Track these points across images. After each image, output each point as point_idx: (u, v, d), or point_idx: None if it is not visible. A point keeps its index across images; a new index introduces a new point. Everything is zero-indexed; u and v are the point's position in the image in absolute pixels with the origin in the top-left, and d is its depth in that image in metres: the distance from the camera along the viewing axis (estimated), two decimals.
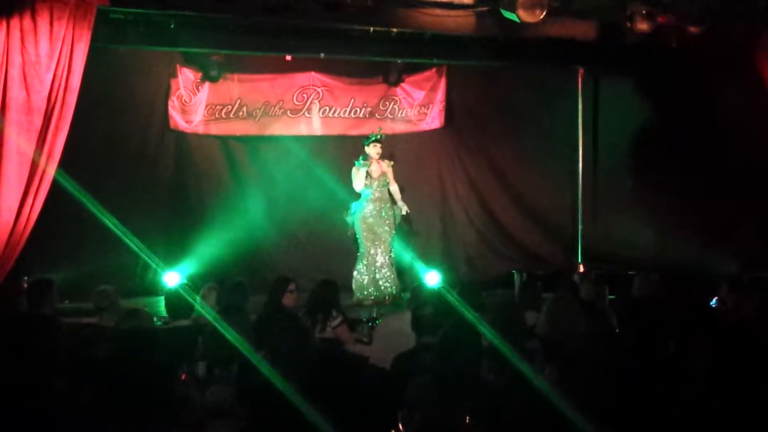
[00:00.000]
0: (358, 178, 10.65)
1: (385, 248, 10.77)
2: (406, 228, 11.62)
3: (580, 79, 12.28)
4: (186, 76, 11.49)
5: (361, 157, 10.70)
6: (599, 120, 12.54)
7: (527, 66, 11.87)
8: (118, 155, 11.12)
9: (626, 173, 12.22)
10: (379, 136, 10.82)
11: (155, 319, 7.54)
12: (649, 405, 3.61)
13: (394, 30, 10.52)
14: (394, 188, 10.88)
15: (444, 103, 12.55)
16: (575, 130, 12.36)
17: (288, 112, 12.00)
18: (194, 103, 11.57)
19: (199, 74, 11.50)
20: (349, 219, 10.87)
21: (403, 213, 10.96)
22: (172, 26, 9.75)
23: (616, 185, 12.34)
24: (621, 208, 12.09)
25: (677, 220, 11.01)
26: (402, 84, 12.37)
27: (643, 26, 10.06)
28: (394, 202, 10.97)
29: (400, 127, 12.45)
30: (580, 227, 12.42)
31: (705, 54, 10.69)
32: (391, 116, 12.41)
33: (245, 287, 7.35)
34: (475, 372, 4.76)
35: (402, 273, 11.10)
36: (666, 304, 5.90)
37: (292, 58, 11.47)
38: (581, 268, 11.84)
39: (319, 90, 12.04)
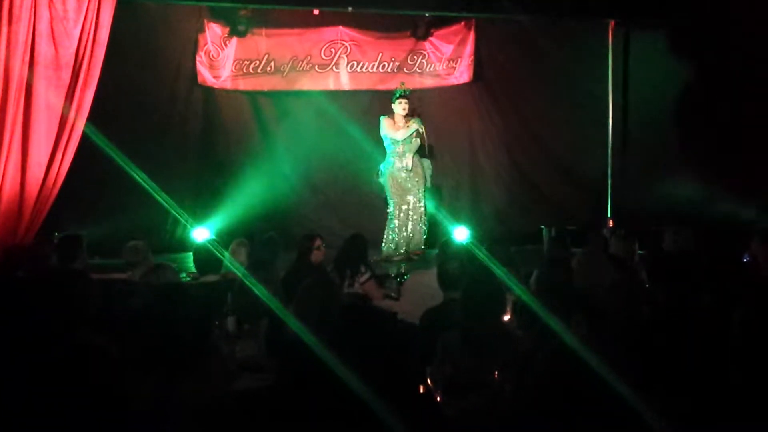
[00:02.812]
0: (396, 129, 10.63)
1: (414, 203, 10.74)
2: (435, 183, 11.58)
3: (610, 33, 12.12)
4: (213, 31, 11.46)
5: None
6: (630, 74, 12.38)
7: (557, 19, 11.73)
8: (147, 111, 11.13)
9: (657, 128, 12.06)
10: (404, 92, 10.78)
11: (184, 275, 7.61)
12: (678, 360, 3.59)
13: None
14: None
15: (473, 57, 12.43)
16: (605, 85, 12.22)
17: (316, 66, 11.95)
18: (222, 58, 11.54)
19: (227, 29, 11.46)
20: (381, 180, 10.83)
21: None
22: None
23: (647, 140, 12.18)
24: (651, 163, 11.96)
25: (708, 175, 10.89)
26: (430, 38, 12.26)
27: None
28: (422, 155, 10.95)
29: (428, 82, 12.36)
30: (609, 182, 12.32)
31: (739, 4, 10.51)
32: (419, 71, 12.32)
33: (277, 242, 7.39)
34: (500, 325, 4.77)
35: (431, 228, 11.09)
36: (696, 258, 5.85)
37: (319, 12, 11.42)
38: (611, 223, 11.78)
39: (347, 44, 11.97)
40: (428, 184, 10.96)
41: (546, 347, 4.03)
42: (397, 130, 10.63)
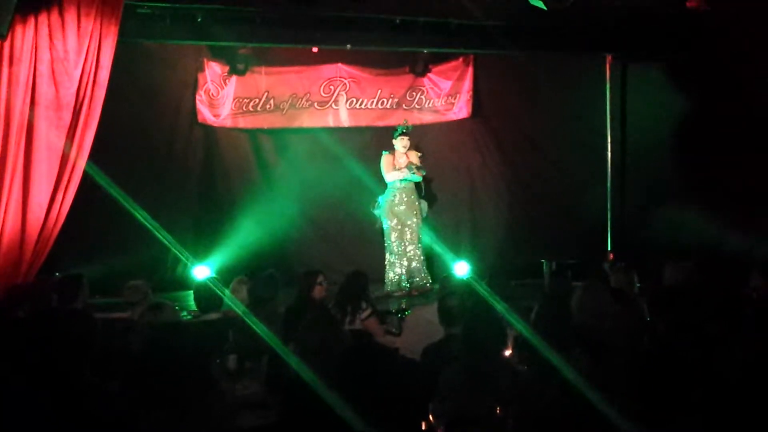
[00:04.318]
0: (392, 167, 10.75)
1: (413, 238, 10.80)
2: (434, 218, 11.60)
3: (608, 66, 12.21)
4: (213, 69, 11.52)
5: (410, 167, 10.79)
6: (628, 107, 12.44)
7: (555, 54, 11.79)
8: (147, 150, 11.19)
9: (655, 161, 12.07)
10: (405, 129, 10.87)
11: (185, 313, 7.60)
12: (680, 393, 3.59)
13: (421, 19, 10.49)
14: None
15: (471, 92, 12.51)
16: (604, 118, 12.29)
17: (315, 104, 12.01)
18: (222, 96, 11.59)
19: (226, 68, 11.52)
20: (377, 212, 10.90)
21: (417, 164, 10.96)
22: (199, 20, 9.75)
23: (646, 173, 12.21)
24: (651, 196, 11.97)
25: (708, 207, 10.87)
26: (429, 74, 12.34)
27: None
28: (420, 193, 11.03)
29: (427, 118, 12.42)
30: (609, 215, 12.35)
31: (737, 36, 10.55)
32: (418, 107, 12.39)
33: (277, 279, 7.37)
34: (501, 360, 4.76)
35: (431, 264, 11.10)
36: (697, 291, 5.84)
37: (318, 49, 11.49)
38: (611, 257, 11.77)
39: (345, 81, 12.04)
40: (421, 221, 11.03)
41: (547, 382, 4.03)
42: (392, 170, 10.74)
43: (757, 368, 3.81)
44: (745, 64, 10.77)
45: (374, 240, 11.38)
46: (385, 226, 10.87)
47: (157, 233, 9.42)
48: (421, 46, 11.49)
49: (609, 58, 12.17)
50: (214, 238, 11.23)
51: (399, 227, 10.79)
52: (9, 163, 8.35)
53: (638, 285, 7.33)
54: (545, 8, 9.39)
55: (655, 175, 11.99)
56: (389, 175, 10.79)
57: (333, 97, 12.04)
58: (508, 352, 5.10)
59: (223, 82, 11.58)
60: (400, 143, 10.83)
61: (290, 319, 6.37)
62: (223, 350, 5.52)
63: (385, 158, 10.83)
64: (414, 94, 12.37)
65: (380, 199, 10.89)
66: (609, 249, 12.17)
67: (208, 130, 11.74)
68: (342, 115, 12.13)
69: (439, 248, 11.20)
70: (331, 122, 12.14)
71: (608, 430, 3.27)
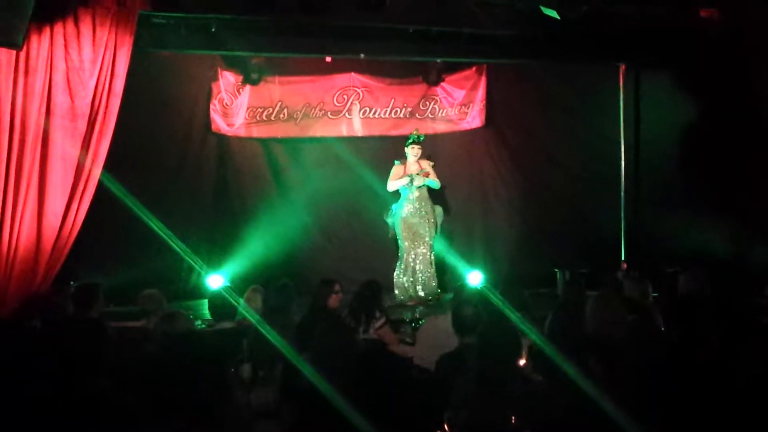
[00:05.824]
0: (397, 177, 10.76)
1: (426, 248, 10.79)
2: (448, 228, 11.60)
3: (621, 75, 12.18)
4: (227, 79, 11.56)
5: (414, 176, 10.81)
6: (641, 115, 12.40)
7: (567, 63, 11.78)
8: (162, 159, 11.20)
9: (669, 169, 12.04)
10: (416, 138, 10.88)
11: (199, 322, 7.61)
12: (694, 403, 3.58)
13: (434, 29, 10.49)
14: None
15: (484, 102, 12.49)
16: (617, 126, 12.26)
17: (329, 113, 12.02)
18: (235, 106, 11.62)
19: (240, 77, 11.55)
20: (390, 221, 10.91)
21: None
22: (213, 29, 9.77)
23: (659, 181, 12.17)
24: (665, 204, 11.91)
25: (723, 216, 10.83)
26: (442, 83, 12.34)
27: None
28: (434, 201, 11.03)
29: (440, 127, 12.43)
30: (623, 224, 12.31)
31: (751, 45, 10.52)
32: (431, 116, 12.39)
33: (291, 289, 7.38)
34: (516, 370, 4.76)
35: (444, 273, 11.09)
36: (712, 300, 5.83)
37: (331, 59, 11.52)
38: (624, 266, 11.73)
39: (359, 91, 12.05)
40: (437, 230, 11.03)
41: (562, 391, 4.03)
42: (397, 179, 10.78)
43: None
44: (758, 73, 10.74)
45: (387, 249, 11.38)
46: (397, 235, 10.87)
47: (171, 242, 9.45)
48: (434, 56, 11.49)
49: (622, 66, 12.15)
50: (228, 247, 11.25)
51: (411, 236, 10.79)
52: (24, 172, 8.38)
53: (652, 294, 7.32)
54: (558, 17, 9.39)
55: (669, 183, 11.94)
56: (390, 184, 10.82)
57: (346, 107, 12.05)
58: (522, 362, 5.09)
59: (237, 92, 11.62)
60: (411, 152, 10.84)
61: (304, 329, 6.37)
62: (237, 359, 5.53)
63: (395, 168, 10.88)
64: (427, 103, 12.38)
65: (394, 207, 10.91)
66: (622, 258, 12.13)
67: (222, 139, 11.76)
68: (355, 125, 12.14)
69: (452, 257, 11.19)
70: (344, 131, 12.15)
71: None
